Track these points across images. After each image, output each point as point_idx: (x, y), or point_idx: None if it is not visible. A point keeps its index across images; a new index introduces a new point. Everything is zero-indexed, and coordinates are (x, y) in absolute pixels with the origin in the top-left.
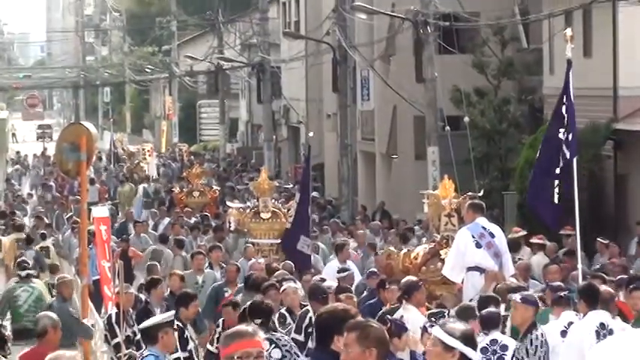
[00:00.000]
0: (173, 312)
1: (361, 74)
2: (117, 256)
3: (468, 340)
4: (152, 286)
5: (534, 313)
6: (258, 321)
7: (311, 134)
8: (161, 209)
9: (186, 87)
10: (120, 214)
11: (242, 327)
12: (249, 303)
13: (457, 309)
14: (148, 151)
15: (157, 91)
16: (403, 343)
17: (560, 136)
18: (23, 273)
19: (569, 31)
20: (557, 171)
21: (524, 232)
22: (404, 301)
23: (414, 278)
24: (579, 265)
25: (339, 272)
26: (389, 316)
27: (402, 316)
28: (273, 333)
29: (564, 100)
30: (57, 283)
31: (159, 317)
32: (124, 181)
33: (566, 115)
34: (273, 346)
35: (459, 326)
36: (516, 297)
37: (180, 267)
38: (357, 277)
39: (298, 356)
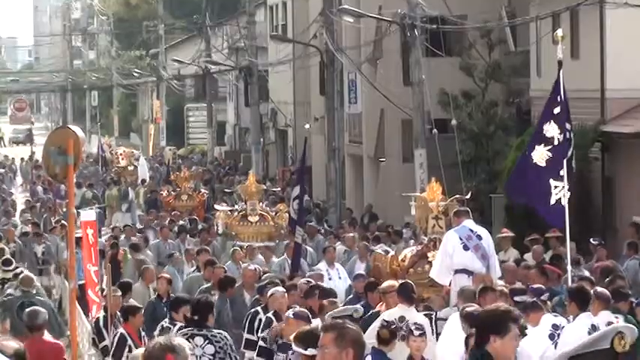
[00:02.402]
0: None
1: (348, 77)
2: (106, 260)
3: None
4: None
5: None
6: (196, 317)
7: (307, 126)
8: (152, 212)
9: (174, 90)
10: (108, 217)
11: (176, 340)
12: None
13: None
14: (121, 154)
15: (145, 94)
16: (396, 344)
17: (548, 134)
18: (18, 270)
19: (560, 32)
20: (561, 173)
21: (512, 234)
22: (406, 303)
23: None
24: (569, 267)
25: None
26: (386, 319)
27: (401, 316)
28: (210, 330)
29: (557, 100)
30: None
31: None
32: (111, 184)
33: (561, 116)
34: (207, 342)
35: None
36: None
37: (131, 270)
38: (346, 281)
39: (232, 351)
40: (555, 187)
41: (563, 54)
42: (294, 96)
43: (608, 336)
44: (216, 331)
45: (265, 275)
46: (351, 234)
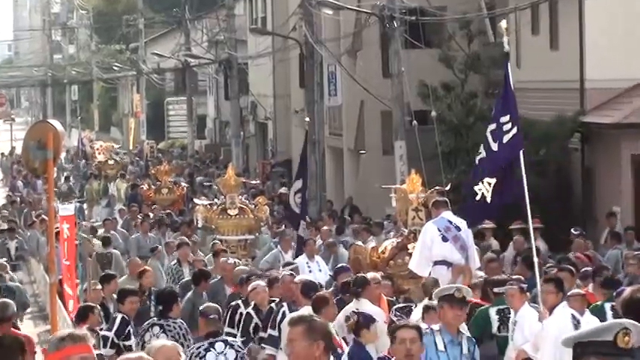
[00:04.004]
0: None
1: (328, 69)
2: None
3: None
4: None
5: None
6: (160, 307)
7: (307, 119)
8: (133, 207)
9: (154, 84)
10: (88, 211)
11: (75, 330)
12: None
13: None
14: (98, 149)
15: (125, 88)
16: (373, 335)
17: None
18: None
19: (504, 23)
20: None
21: (492, 225)
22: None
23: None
24: (535, 259)
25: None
26: (355, 310)
27: (356, 309)
28: (167, 319)
29: (507, 93)
30: None
31: None
32: (90, 178)
33: (511, 109)
34: (162, 331)
35: None
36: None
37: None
38: (326, 273)
39: (186, 340)
40: (482, 182)
41: (543, 44)
42: (274, 89)
43: (612, 329)
44: (172, 320)
45: (239, 268)
46: (326, 227)
